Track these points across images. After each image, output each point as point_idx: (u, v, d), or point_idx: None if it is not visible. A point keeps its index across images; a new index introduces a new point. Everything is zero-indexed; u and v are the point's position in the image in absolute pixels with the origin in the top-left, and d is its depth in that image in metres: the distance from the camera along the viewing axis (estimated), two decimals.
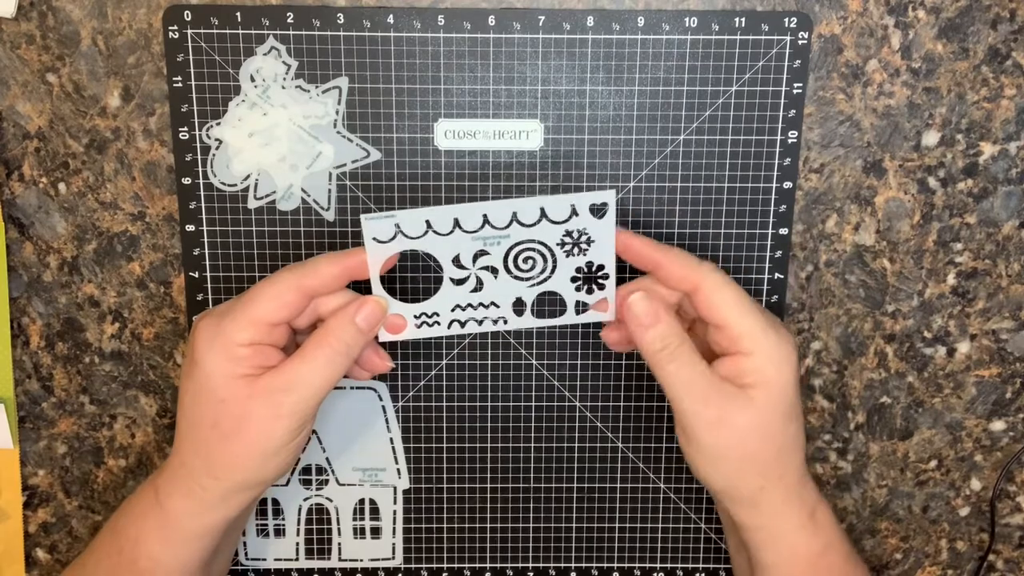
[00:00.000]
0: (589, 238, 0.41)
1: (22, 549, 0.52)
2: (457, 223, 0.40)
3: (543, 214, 0.40)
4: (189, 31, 0.45)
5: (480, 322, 0.43)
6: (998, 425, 0.51)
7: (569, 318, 0.43)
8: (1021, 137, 0.47)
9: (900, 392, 0.51)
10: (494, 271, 0.42)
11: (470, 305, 0.43)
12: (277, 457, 0.40)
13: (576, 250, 0.41)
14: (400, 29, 0.45)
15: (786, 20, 0.45)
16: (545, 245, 0.41)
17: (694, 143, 0.47)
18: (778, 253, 0.48)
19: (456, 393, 0.50)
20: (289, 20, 0.45)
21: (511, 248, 0.41)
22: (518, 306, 0.43)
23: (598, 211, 0.40)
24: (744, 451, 0.40)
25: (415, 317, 0.43)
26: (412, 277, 0.48)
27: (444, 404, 0.50)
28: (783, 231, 0.48)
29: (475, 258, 0.41)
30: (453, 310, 0.43)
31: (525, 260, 0.42)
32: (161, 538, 0.42)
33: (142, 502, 0.43)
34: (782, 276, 0.49)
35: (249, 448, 0.40)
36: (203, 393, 0.40)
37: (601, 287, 0.43)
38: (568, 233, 0.41)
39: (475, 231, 0.40)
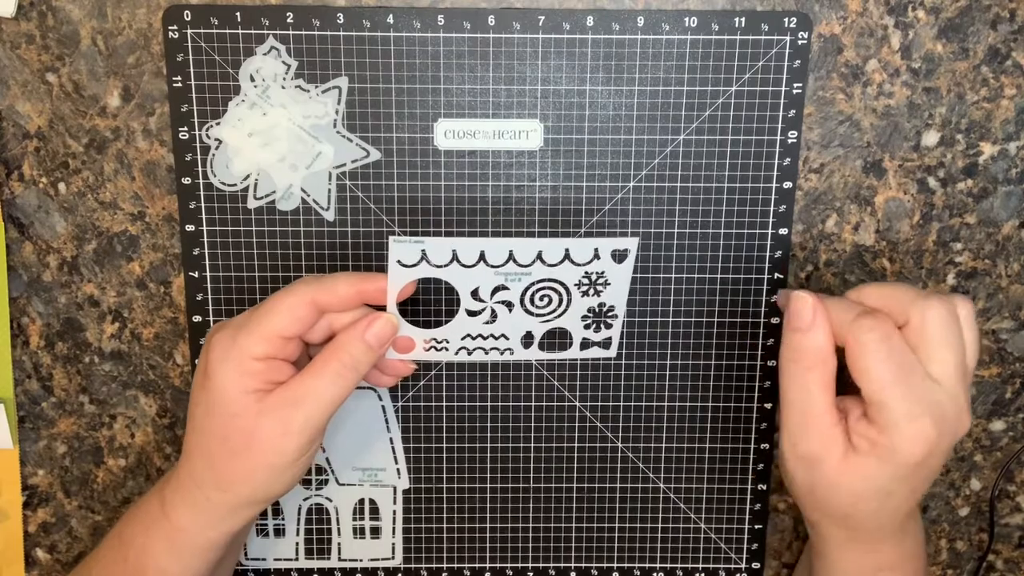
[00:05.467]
0: (606, 281, 0.41)
1: (22, 549, 0.52)
2: (483, 256, 0.40)
3: (567, 255, 0.40)
4: (189, 31, 0.45)
5: (487, 352, 0.43)
6: (998, 425, 0.51)
7: (573, 352, 0.44)
8: (1021, 137, 0.47)
9: None
10: (509, 305, 0.42)
11: (480, 335, 0.43)
12: (286, 473, 0.40)
13: (592, 291, 0.41)
14: (400, 29, 0.45)
15: (786, 20, 0.45)
16: (563, 284, 0.41)
17: (694, 143, 0.47)
18: (778, 253, 0.48)
19: (456, 393, 0.50)
20: (289, 20, 0.45)
21: (530, 285, 0.41)
22: (527, 339, 0.43)
23: (619, 256, 0.40)
24: (816, 491, 0.40)
25: (424, 341, 0.43)
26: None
27: (444, 404, 0.50)
28: (783, 231, 0.48)
29: (493, 292, 0.41)
30: (463, 338, 0.43)
31: (542, 298, 0.42)
32: (168, 550, 0.42)
33: (149, 512, 0.43)
34: (782, 276, 0.49)
35: (258, 464, 0.40)
36: (215, 407, 0.40)
37: (608, 326, 0.43)
38: (587, 275, 0.41)
39: (499, 266, 0.40)
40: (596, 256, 0.40)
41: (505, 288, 0.41)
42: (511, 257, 0.40)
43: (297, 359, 0.42)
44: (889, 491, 0.39)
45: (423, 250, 0.39)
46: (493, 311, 0.42)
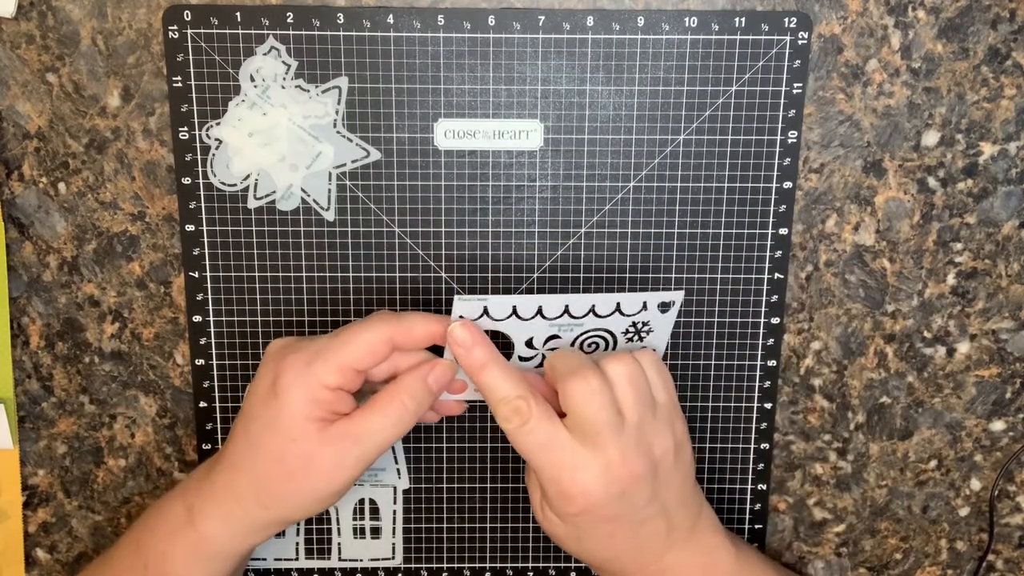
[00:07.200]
0: (650, 328, 0.43)
1: (22, 549, 0.52)
2: (540, 310, 0.41)
3: (617, 308, 0.42)
4: (189, 31, 0.45)
5: None
6: (998, 425, 0.51)
7: None
8: (1021, 137, 0.47)
9: (900, 392, 0.51)
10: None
11: None
12: (329, 500, 0.42)
13: (636, 338, 0.43)
14: (400, 29, 0.45)
15: (786, 20, 0.45)
16: (611, 333, 0.43)
17: (694, 143, 0.47)
18: (778, 253, 0.48)
19: None
20: (289, 20, 0.45)
21: (580, 334, 0.43)
22: None
23: (664, 307, 0.42)
24: (588, 505, 0.41)
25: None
26: None
27: None
28: (783, 231, 0.48)
29: (546, 340, 0.43)
30: None
31: (590, 345, 0.44)
32: (192, 558, 0.42)
33: (172, 519, 0.43)
34: (782, 276, 0.49)
35: (309, 488, 0.41)
36: (277, 427, 0.41)
37: None
38: (634, 324, 0.43)
39: (554, 318, 0.42)
40: (644, 307, 0.42)
41: (557, 337, 0.43)
42: (566, 311, 0.42)
43: (357, 392, 0.43)
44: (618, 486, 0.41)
45: (485, 307, 0.41)
46: (544, 357, 0.44)
